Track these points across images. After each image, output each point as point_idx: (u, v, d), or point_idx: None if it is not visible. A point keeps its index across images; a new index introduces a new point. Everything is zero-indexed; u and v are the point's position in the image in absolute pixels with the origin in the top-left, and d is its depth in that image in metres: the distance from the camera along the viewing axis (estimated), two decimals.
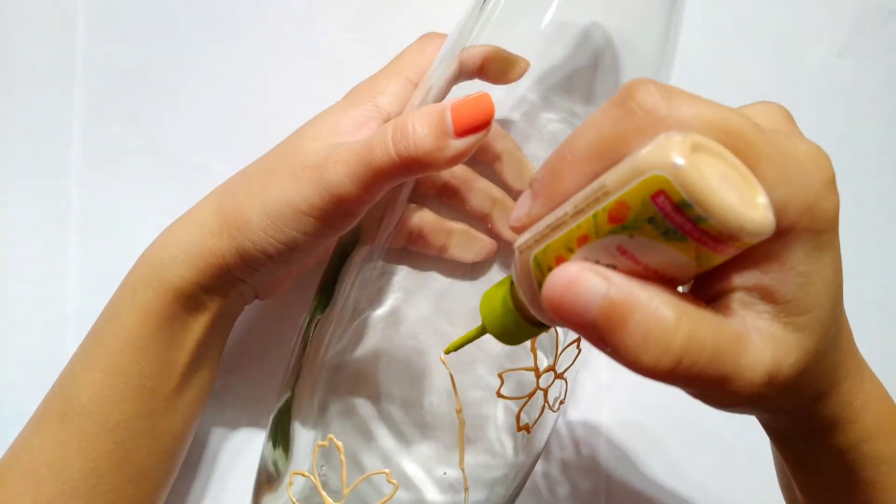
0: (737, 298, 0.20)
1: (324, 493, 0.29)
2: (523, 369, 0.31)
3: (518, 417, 0.31)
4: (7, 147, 0.40)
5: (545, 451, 0.40)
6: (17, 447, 0.32)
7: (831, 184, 0.19)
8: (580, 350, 0.32)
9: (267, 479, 0.32)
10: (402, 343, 0.32)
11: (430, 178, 0.32)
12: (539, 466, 0.41)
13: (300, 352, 0.32)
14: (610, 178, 0.18)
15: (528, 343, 0.31)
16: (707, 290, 0.20)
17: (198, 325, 0.32)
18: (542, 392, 0.31)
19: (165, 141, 0.40)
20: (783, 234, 0.19)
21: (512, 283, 0.22)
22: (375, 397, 0.31)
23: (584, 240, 0.18)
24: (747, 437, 0.32)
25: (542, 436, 0.32)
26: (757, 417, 0.25)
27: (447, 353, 0.26)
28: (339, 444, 0.29)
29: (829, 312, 0.20)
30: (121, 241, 0.40)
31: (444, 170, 0.28)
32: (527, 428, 0.31)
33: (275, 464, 0.32)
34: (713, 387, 0.19)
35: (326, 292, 0.32)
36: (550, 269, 0.19)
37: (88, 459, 0.31)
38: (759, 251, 0.19)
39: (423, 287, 0.33)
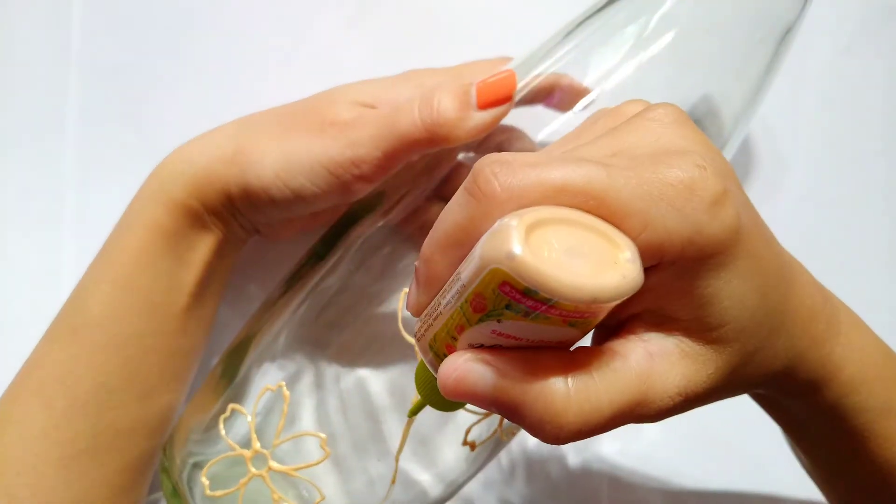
0: (643, 318, 0.20)
1: (255, 434, 0.29)
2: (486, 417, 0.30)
3: (467, 432, 0.30)
4: (2, 147, 0.40)
5: (542, 468, 0.40)
6: (30, 363, 0.32)
7: (713, 205, 0.19)
8: None
9: (202, 402, 0.31)
10: (383, 325, 0.31)
11: (460, 178, 0.32)
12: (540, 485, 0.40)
13: (279, 293, 0.32)
14: (464, 271, 0.18)
15: None
16: (613, 315, 0.20)
17: (204, 246, 0.32)
18: (499, 416, 0.30)
19: (161, 139, 0.37)
20: (670, 265, 0.19)
21: None
22: (339, 362, 0.31)
23: (461, 329, 0.18)
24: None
25: (480, 459, 0.32)
26: None
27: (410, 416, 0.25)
28: (287, 393, 0.29)
29: (747, 321, 0.20)
30: None
31: (465, 141, 0.29)
32: (472, 445, 0.31)
33: (215, 389, 0.31)
34: (627, 421, 0.20)
35: (325, 245, 0.31)
36: (445, 356, 0.19)
37: (98, 374, 0.30)
38: (652, 281, 0.19)
39: None
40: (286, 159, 0.30)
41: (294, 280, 0.31)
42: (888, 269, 0.43)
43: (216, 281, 0.34)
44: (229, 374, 0.31)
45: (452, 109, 0.28)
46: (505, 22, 0.41)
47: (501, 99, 0.28)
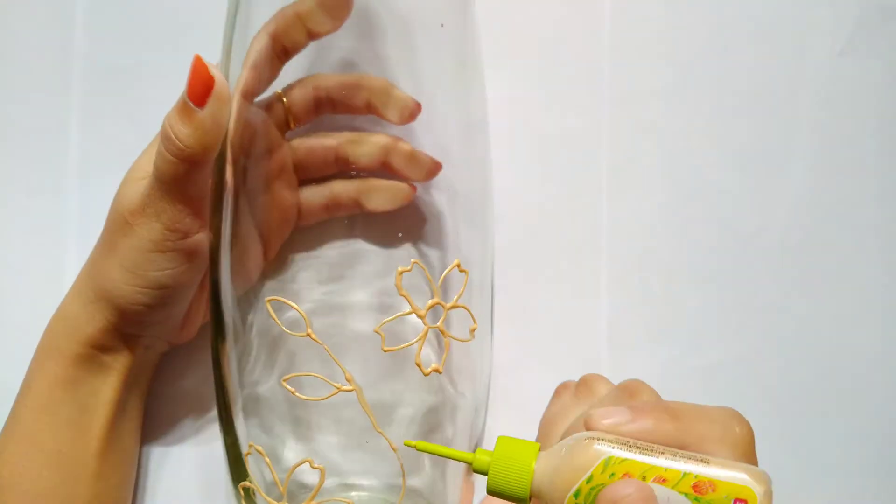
0: None
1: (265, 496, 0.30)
2: (401, 315, 0.30)
3: (418, 364, 0.30)
4: (5, 147, 0.40)
5: None
6: None
7: None
8: (466, 273, 0.30)
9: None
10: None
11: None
12: None
13: (218, 403, 0.32)
14: (719, 457, 0.23)
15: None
16: None
17: (107, 388, 0.34)
18: (437, 331, 0.30)
19: None
20: None
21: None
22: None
23: (661, 480, 0.22)
24: None
25: (465, 375, 0.31)
26: None
27: (409, 444, 0.27)
28: (260, 448, 0.30)
29: None
30: None
31: (220, 139, 0.30)
32: (437, 370, 0.30)
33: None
34: None
35: (215, 319, 0.33)
36: (613, 476, 0.23)
37: None
38: None
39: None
40: (127, 268, 0.31)
41: (220, 364, 0.33)
42: (886, 269, 0.43)
43: (129, 415, 0.35)
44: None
45: (184, 124, 0.29)
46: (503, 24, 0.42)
47: (207, 84, 0.29)
